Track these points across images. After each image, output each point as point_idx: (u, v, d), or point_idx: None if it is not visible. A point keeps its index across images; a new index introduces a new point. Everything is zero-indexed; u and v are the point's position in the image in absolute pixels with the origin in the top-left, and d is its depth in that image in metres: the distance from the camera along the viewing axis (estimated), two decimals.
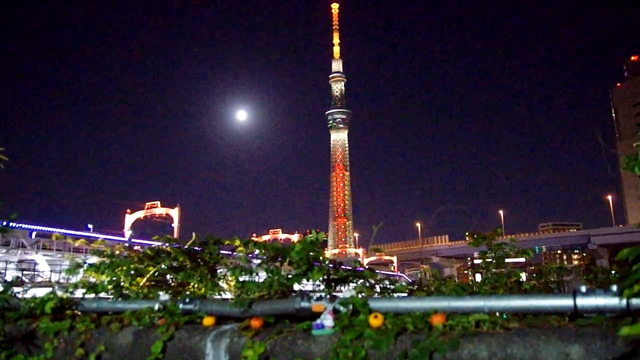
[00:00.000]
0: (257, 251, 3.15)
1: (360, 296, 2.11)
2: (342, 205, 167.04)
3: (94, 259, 3.75)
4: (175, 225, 56.31)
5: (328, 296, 2.13)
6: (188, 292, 3.32)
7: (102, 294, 3.22)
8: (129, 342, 2.39)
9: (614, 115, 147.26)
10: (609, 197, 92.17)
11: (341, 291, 2.32)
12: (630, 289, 1.56)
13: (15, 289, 3.13)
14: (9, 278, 29.54)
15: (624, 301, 1.66)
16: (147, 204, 57.87)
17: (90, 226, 45.19)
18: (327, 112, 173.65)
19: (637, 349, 1.46)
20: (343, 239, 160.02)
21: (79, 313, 2.84)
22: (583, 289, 1.79)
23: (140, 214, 57.12)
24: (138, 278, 3.38)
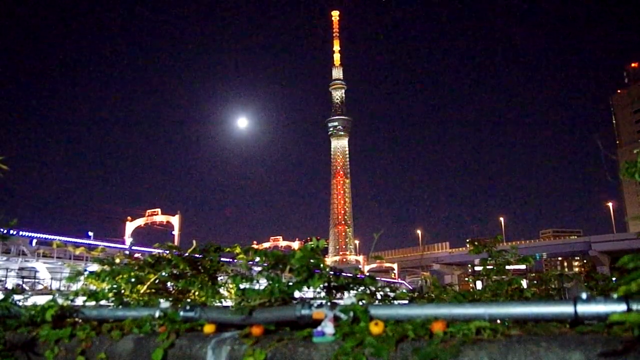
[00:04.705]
0: (257, 258, 3.15)
1: (360, 303, 2.11)
2: (342, 212, 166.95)
3: (94, 267, 3.75)
4: (175, 232, 56.23)
5: (329, 303, 2.12)
6: (189, 300, 3.32)
7: (102, 302, 3.22)
8: (130, 349, 2.39)
9: (614, 121, 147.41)
10: (610, 204, 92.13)
11: (342, 298, 2.32)
12: (627, 285, 1.56)
13: (16, 297, 3.13)
14: (9, 286, 29.51)
15: (625, 307, 1.66)
16: (148, 211, 57.81)
17: (90, 234, 45.04)
18: (327, 120, 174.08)
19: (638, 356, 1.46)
20: (344, 247, 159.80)
21: (80, 321, 2.84)
22: (584, 296, 1.79)
23: (140, 222, 57.06)
24: (139, 285, 3.37)
